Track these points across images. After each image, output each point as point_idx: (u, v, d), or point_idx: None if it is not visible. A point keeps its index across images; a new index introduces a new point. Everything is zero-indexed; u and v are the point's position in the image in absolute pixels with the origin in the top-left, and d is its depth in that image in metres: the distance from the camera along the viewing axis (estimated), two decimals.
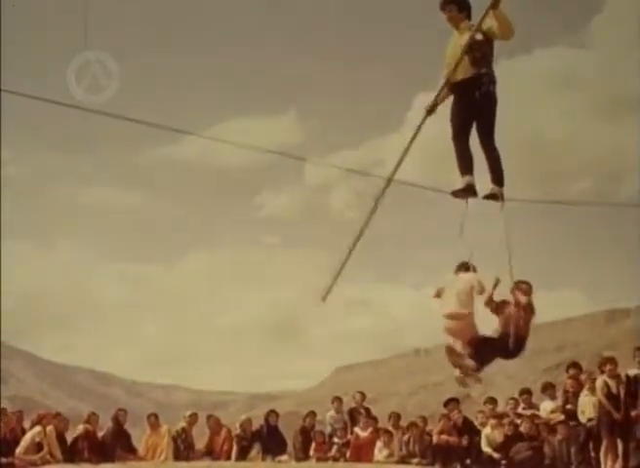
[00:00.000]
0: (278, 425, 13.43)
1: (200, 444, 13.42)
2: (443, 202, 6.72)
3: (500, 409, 12.63)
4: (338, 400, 13.79)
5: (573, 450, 10.88)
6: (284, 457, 13.04)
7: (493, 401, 12.68)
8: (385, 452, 12.40)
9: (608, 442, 10.38)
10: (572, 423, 11.02)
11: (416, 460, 12.22)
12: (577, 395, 11.12)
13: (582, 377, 11.36)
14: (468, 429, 12.09)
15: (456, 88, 6.55)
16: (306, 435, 13.18)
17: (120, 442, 12.82)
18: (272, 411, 13.69)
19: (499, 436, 11.62)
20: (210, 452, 13.18)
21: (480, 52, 6.38)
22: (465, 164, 6.58)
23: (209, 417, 13.72)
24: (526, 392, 12.48)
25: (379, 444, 12.50)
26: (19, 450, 11.78)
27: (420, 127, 6.52)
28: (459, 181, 6.61)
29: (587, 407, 10.75)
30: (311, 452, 12.94)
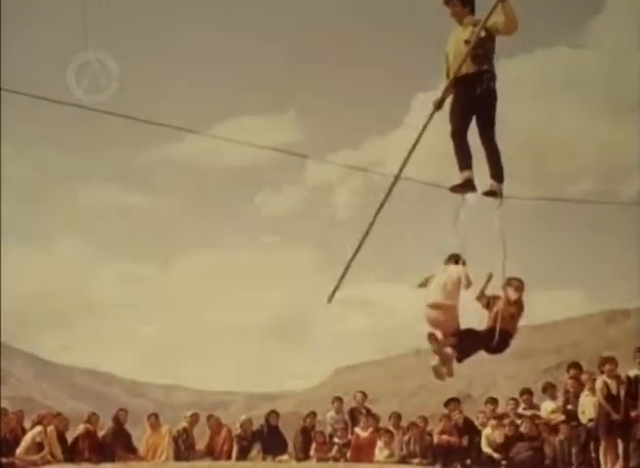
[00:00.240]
0: (279, 425, 13.44)
1: (200, 444, 13.42)
2: (445, 201, 6.72)
3: (501, 409, 12.62)
4: (338, 400, 13.79)
5: (574, 451, 10.89)
6: (284, 457, 13.05)
7: (493, 401, 12.68)
8: (386, 453, 12.40)
9: (607, 442, 10.38)
10: (573, 423, 11.02)
11: (416, 460, 12.22)
12: (577, 395, 11.13)
13: (583, 378, 11.37)
14: (469, 429, 12.10)
15: (456, 84, 6.55)
16: (307, 435, 13.18)
17: (121, 442, 12.83)
18: (273, 411, 13.69)
19: (499, 436, 11.62)
20: (210, 452, 13.19)
21: (482, 48, 6.38)
22: (464, 159, 6.58)
23: (209, 417, 13.73)
24: (527, 392, 12.49)
25: (379, 444, 12.50)
26: (19, 450, 11.79)
27: (427, 123, 6.52)
28: (458, 178, 6.62)
29: (588, 407, 10.75)
30: (312, 452, 12.95)
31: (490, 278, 6.72)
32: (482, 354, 6.83)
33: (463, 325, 6.67)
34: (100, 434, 12.87)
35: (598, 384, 10.51)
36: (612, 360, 10.72)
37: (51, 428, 12.12)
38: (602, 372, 10.63)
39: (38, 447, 11.88)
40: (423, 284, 6.77)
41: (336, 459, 12.71)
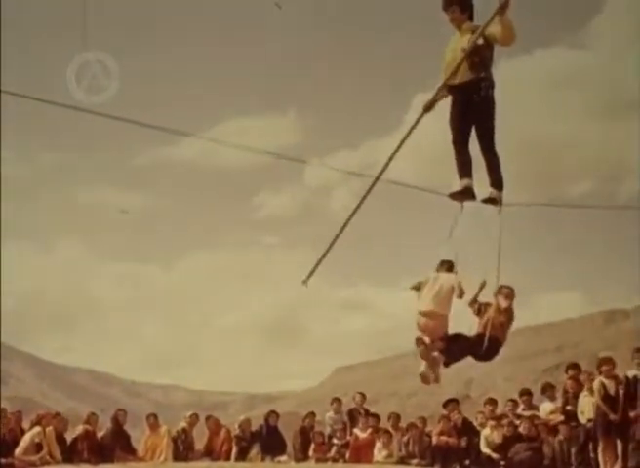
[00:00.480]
0: (277, 426, 13.44)
1: (199, 444, 13.42)
2: (442, 204, 6.73)
3: (500, 410, 12.62)
4: (337, 401, 13.79)
5: (573, 451, 10.90)
6: (283, 458, 13.04)
7: (492, 402, 12.67)
8: (385, 453, 12.40)
9: (605, 442, 10.39)
10: (572, 424, 11.03)
11: (415, 461, 12.22)
12: (576, 396, 11.13)
13: (582, 378, 11.38)
14: (468, 430, 12.10)
15: (454, 91, 6.53)
16: (306, 436, 13.18)
17: (119, 442, 12.81)
18: (273, 412, 13.69)
19: (498, 437, 11.62)
20: (209, 453, 13.19)
21: (479, 56, 6.34)
22: (464, 167, 6.58)
23: (208, 418, 13.73)
24: (526, 393, 12.48)
25: (378, 444, 12.49)
26: (18, 451, 11.77)
27: (415, 124, 6.50)
28: (457, 184, 6.62)
29: (587, 407, 10.75)
30: (311, 453, 12.94)
31: (483, 285, 6.75)
32: None
33: (454, 331, 6.69)
34: (99, 434, 12.86)
35: (595, 385, 10.52)
36: (609, 360, 10.73)
37: (50, 428, 12.11)
38: (600, 373, 10.64)
39: (37, 447, 11.86)
40: (416, 287, 6.77)
41: (334, 460, 12.70)
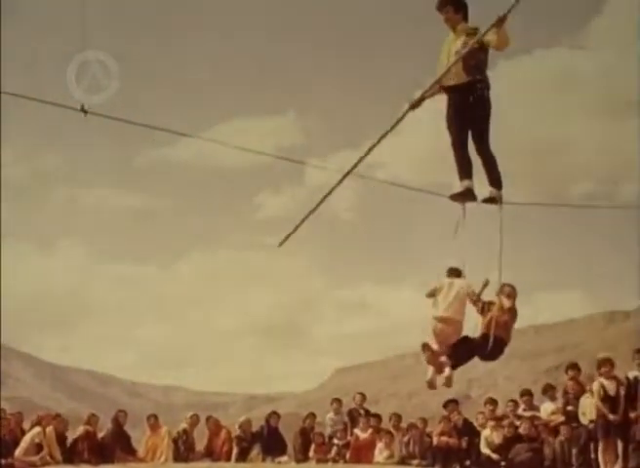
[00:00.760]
0: (278, 426, 13.43)
1: (200, 445, 13.41)
2: (443, 204, 6.75)
3: (501, 410, 12.62)
4: (337, 401, 13.79)
5: (574, 452, 10.88)
6: (284, 458, 13.03)
7: (493, 402, 12.66)
8: (385, 454, 12.39)
9: (605, 443, 10.38)
10: (573, 424, 11.02)
11: (415, 462, 12.21)
12: (577, 396, 11.12)
13: (582, 379, 11.39)
14: (468, 430, 12.09)
15: (449, 92, 6.58)
16: (306, 436, 13.17)
17: (120, 443, 12.81)
18: (274, 413, 13.68)
19: (498, 437, 11.62)
20: (210, 454, 13.18)
21: (474, 59, 6.38)
22: (464, 169, 6.62)
23: (208, 418, 13.72)
24: (526, 393, 12.47)
25: (379, 445, 12.49)
26: (18, 452, 11.77)
27: (400, 119, 6.50)
28: (458, 184, 6.63)
29: (589, 408, 10.74)
30: (311, 454, 12.94)
31: (486, 284, 6.78)
32: None
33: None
34: (100, 435, 12.85)
35: (595, 386, 10.52)
36: (608, 361, 10.70)
37: (50, 429, 12.10)
38: (600, 375, 10.63)
39: (37, 448, 11.86)
40: (431, 294, 6.81)
41: (335, 460, 12.70)
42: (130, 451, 12.91)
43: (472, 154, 6.62)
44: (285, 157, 7.42)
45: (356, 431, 12.82)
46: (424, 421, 13.00)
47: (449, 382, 6.80)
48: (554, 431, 11.33)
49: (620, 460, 10.29)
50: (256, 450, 13.12)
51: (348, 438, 12.92)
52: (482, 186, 6.61)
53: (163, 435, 12.90)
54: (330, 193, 6.69)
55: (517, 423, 11.69)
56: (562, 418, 11.33)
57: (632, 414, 10.26)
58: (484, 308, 6.74)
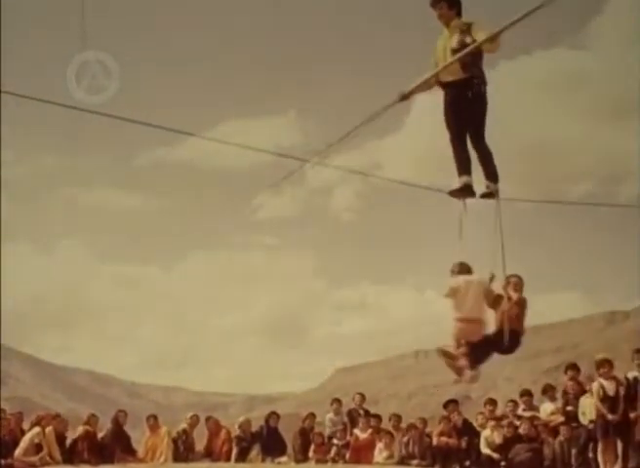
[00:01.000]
0: (278, 427, 13.43)
1: (199, 445, 13.41)
2: (442, 202, 6.76)
3: (500, 410, 12.62)
4: (337, 402, 13.79)
5: (573, 452, 10.88)
6: (283, 459, 13.03)
7: (492, 402, 12.67)
8: (385, 454, 12.39)
9: (605, 443, 10.38)
10: (573, 425, 11.02)
11: (415, 462, 12.21)
12: (577, 396, 11.13)
13: (581, 379, 11.39)
14: (468, 431, 12.09)
15: (447, 88, 6.64)
16: (306, 436, 13.17)
17: (120, 443, 12.81)
18: (273, 413, 13.68)
19: (498, 437, 11.62)
20: (209, 454, 13.18)
21: (470, 56, 6.41)
22: (463, 165, 6.67)
23: (208, 419, 13.72)
24: (526, 394, 12.47)
25: (379, 445, 12.49)
26: (18, 452, 11.76)
27: (386, 108, 6.51)
28: (456, 181, 6.65)
29: (589, 408, 10.74)
30: (311, 454, 12.94)
31: (492, 278, 6.77)
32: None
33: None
34: (100, 435, 12.85)
35: (594, 386, 10.52)
36: (606, 362, 10.69)
37: (49, 429, 12.10)
38: (599, 375, 10.63)
39: (37, 448, 11.86)
40: (450, 295, 6.76)
41: (334, 461, 12.70)
42: (130, 452, 12.91)
43: (471, 151, 6.65)
44: (285, 154, 7.41)
45: (356, 431, 12.82)
46: (424, 421, 13.00)
47: (474, 380, 6.82)
48: (554, 431, 11.33)
49: (619, 460, 10.29)
50: (255, 451, 13.13)
51: (348, 438, 12.92)
52: (482, 183, 6.63)
53: (163, 435, 12.90)
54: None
55: (517, 423, 11.68)
56: (562, 418, 11.33)
57: (632, 414, 10.25)
58: (495, 302, 6.73)
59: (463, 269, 6.77)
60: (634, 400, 10.30)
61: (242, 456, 12.98)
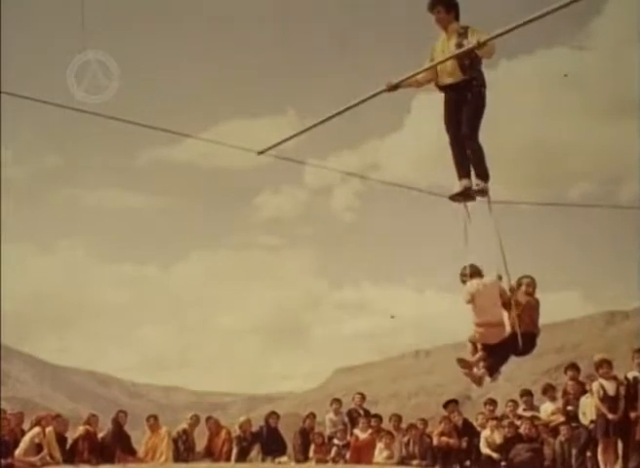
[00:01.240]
0: (278, 426, 13.43)
1: (199, 445, 13.41)
2: (443, 202, 6.76)
3: (500, 410, 12.62)
4: (337, 402, 13.79)
5: (573, 452, 10.88)
6: (284, 459, 13.03)
7: (493, 402, 12.67)
8: (385, 454, 12.39)
9: (605, 443, 10.38)
10: (573, 425, 11.02)
11: (415, 462, 12.21)
12: (577, 397, 11.13)
13: (582, 379, 11.39)
14: (468, 431, 12.10)
15: (446, 91, 6.69)
16: (306, 436, 13.17)
17: (120, 443, 12.81)
18: (273, 413, 13.67)
19: (498, 437, 11.62)
20: (210, 454, 13.18)
21: (469, 58, 6.47)
22: (463, 168, 6.68)
23: (208, 419, 13.72)
24: (526, 394, 12.48)
25: (379, 445, 12.49)
26: (18, 452, 11.76)
27: (370, 97, 6.60)
28: (457, 184, 6.66)
29: (589, 408, 10.74)
30: (311, 454, 12.94)
31: (500, 279, 6.76)
32: None
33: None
34: (100, 435, 12.85)
35: (595, 386, 10.52)
36: (605, 362, 10.68)
37: (49, 429, 12.10)
38: (599, 376, 10.63)
39: (37, 448, 11.86)
40: (470, 300, 6.72)
41: (335, 461, 12.70)
42: (130, 452, 12.91)
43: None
44: (286, 156, 7.42)
45: (356, 431, 12.82)
46: (424, 422, 13.00)
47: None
48: (554, 431, 11.34)
49: (620, 460, 10.29)
50: (255, 451, 13.13)
51: (348, 438, 12.92)
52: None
53: (163, 435, 12.91)
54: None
55: (517, 423, 11.69)
56: (562, 418, 11.33)
57: (632, 414, 10.25)
58: (505, 302, 6.72)
59: (475, 272, 6.76)
60: (634, 400, 10.30)
61: (242, 456, 12.98)
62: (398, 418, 13.16)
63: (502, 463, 11.45)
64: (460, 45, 6.41)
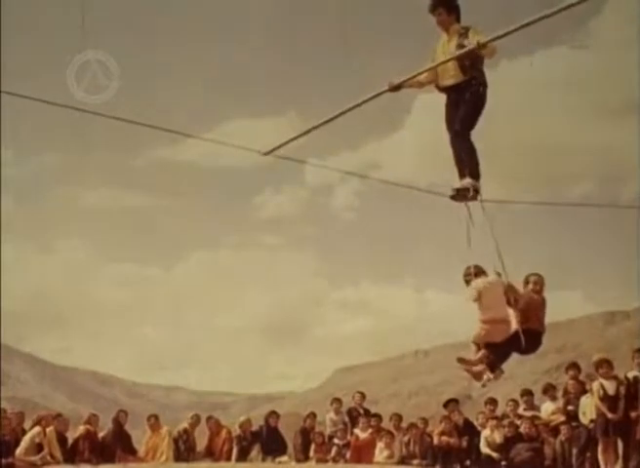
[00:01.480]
0: (278, 426, 13.44)
1: (200, 445, 13.42)
2: (443, 202, 6.76)
3: (501, 410, 12.63)
4: (337, 401, 13.80)
5: (574, 452, 10.89)
6: (284, 458, 13.05)
7: (493, 402, 12.67)
8: (386, 453, 12.40)
9: (605, 443, 10.39)
10: (573, 424, 11.03)
11: (416, 461, 12.23)
12: (578, 396, 11.13)
13: (582, 378, 11.40)
14: (469, 430, 12.10)
15: (448, 92, 6.68)
16: (306, 436, 13.18)
17: (120, 443, 12.82)
18: (273, 412, 13.69)
19: (498, 437, 11.63)
20: (210, 453, 13.18)
21: (470, 59, 6.46)
22: (464, 167, 6.64)
23: (209, 418, 13.73)
24: (527, 393, 12.48)
25: (379, 444, 12.50)
26: (19, 451, 11.78)
27: (373, 97, 6.55)
28: (457, 183, 6.66)
29: (589, 408, 10.75)
30: (311, 453, 12.95)
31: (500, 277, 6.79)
32: None
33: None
34: (100, 435, 12.86)
35: (595, 386, 10.53)
36: (605, 362, 10.68)
37: (50, 429, 12.11)
38: (600, 375, 10.63)
39: (38, 447, 11.88)
40: (477, 298, 6.74)
41: (335, 460, 12.71)
42: (130, 451, 12.92)
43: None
44: (286, 155, 7.41)
45: (356, 431, 12.83)
46: (425, 421, 13.01)
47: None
48: (555, 431, 11.34)
49: (620, 460, 10.30)
50: (256, 450, 13.15)
51: (348, 438, 12.93)
52: (483, 185, 6.63)
53: (163, 435, 12.92)
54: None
55: (518, 423, 11.70)
56: (562, 418, 11.34)
57: (632, 414, 10.26)
58: (509, 300, 6.73)
59: (479, 272, 6.79)
60: (635, 399, 10.31)
61: (243, 456, 13.00)
62: (398, 418, 13.18)
63: (503, 463, 11.46)
64: (460, 46, 6.40)
